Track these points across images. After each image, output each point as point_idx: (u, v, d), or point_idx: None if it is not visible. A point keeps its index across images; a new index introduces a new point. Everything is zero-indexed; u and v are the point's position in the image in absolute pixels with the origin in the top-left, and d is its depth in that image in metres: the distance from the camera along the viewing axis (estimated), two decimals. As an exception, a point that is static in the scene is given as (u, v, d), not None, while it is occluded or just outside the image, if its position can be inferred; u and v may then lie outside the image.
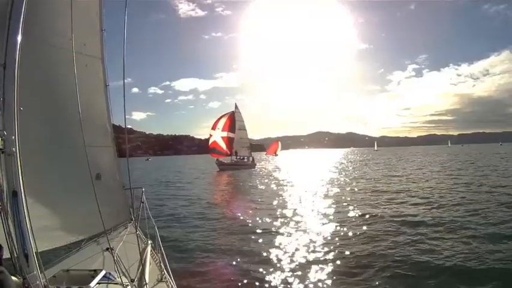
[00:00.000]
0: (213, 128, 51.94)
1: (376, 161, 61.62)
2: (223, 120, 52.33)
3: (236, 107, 54.61)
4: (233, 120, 52.60)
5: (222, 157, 50.88)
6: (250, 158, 53.77)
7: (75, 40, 3.60)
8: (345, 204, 14.78)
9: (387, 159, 64.51)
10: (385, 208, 13.55)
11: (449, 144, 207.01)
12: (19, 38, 2.02)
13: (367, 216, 12.01)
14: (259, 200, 17.57)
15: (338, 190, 19.97)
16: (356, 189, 19.94)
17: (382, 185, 22.03)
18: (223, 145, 51.68)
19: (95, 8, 3.87)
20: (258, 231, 10.36)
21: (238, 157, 52.59)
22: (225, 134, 52.01)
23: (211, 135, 51.92)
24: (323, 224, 11.13)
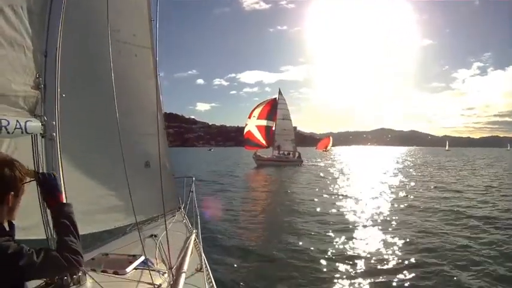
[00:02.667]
0: (249, 116, 43.41)
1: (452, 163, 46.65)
2: (261, 107, 43.55)
3: (280, 93, 44.89)
4: (274, 108, 43.76)
5: (258, 149, 42.72)
6: (296, 154, 44.20)
7: (125, 31, 3.75)
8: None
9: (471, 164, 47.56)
10: None
11: (509, 147, 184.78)
12: (60, 26, 2.09)
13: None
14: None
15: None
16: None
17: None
18: (258, 136, 43.15)
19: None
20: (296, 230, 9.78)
21: (281, 152, 43.67)
22: (261, 122, 43.15)
23: (246, 125, 43.83)
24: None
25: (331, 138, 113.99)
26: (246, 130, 43.87)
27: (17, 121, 1.85)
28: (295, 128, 46.46)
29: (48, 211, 2.10)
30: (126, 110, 3.01)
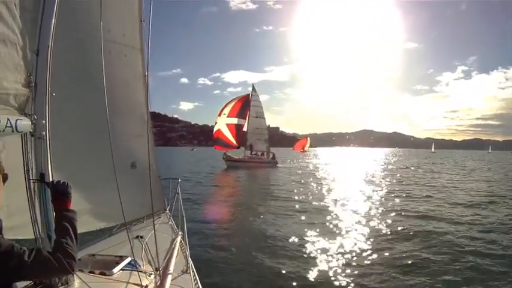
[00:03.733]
0: (219, 114, 39.85)
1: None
2: (232, 103, 39.92)
3: (254, 89, 41.63)
4: (246, 104, 40.26)
5: (228, 150, 39.55)
6: (270, 155, 41.44)
7: (115, 30, 3.71)
8: None
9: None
10: None
11: (490, 150, 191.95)
12: (53, 24, 2.07)
13: None
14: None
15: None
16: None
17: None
18: (228, 135, 39.63)
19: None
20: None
21: (253, 152, 40.61)
22: (231, 120, 39.65)
23: (215, 123, 40.18)
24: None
25: (308, 138, 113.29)
26: (215, 129, 40.19)
27: (8, 119, 1.83)
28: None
29: (37, 211, 2.10)
30: (114, 110, 2.98)
